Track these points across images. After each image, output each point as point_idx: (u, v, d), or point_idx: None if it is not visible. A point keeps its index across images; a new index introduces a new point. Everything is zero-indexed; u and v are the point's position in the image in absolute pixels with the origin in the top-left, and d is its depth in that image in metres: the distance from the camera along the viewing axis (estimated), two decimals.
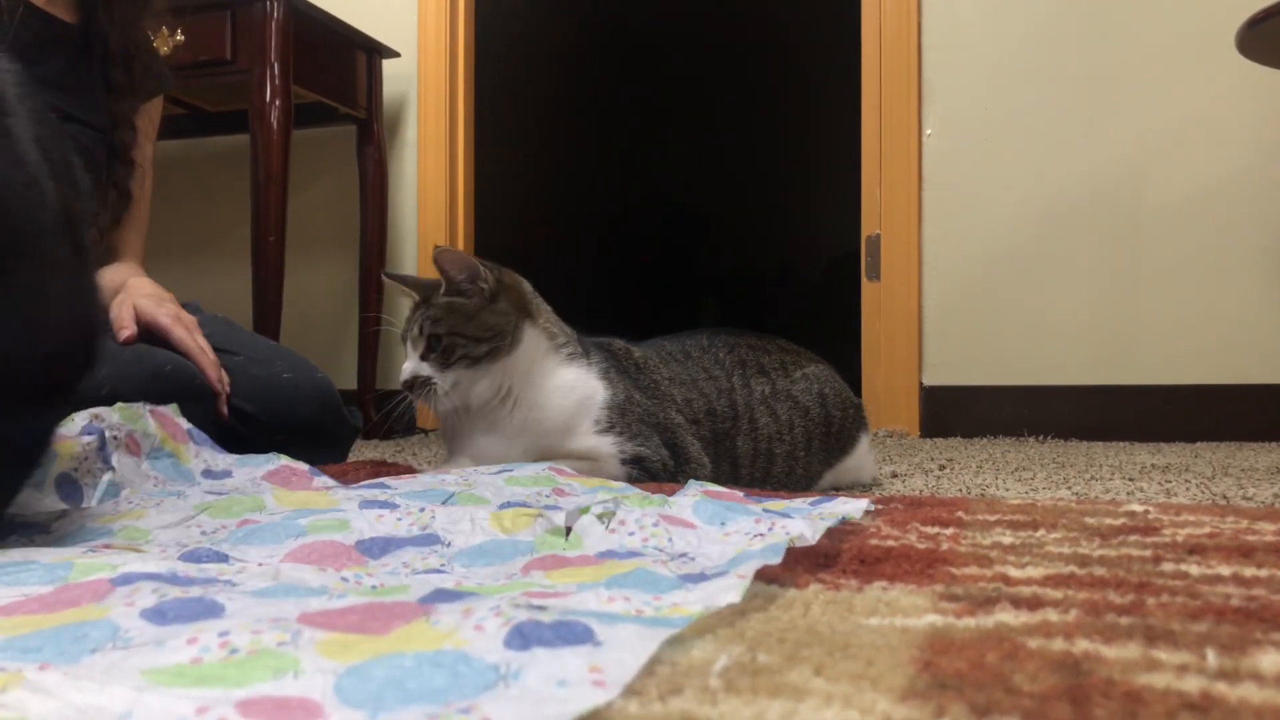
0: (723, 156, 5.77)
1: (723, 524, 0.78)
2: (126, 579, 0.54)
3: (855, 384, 2.48)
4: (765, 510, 0.84)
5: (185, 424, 1.09)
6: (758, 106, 5.69)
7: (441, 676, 0.40)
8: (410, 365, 1.19)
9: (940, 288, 2.42)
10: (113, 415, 0.98)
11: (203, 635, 0.45)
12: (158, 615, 0.49)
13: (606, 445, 1.17)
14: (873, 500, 0.94)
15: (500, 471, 1.05)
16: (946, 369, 2.41)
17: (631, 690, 0.40)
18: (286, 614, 0.48)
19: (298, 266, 2.56)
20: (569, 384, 1.20)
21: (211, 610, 0.49)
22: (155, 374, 1.20)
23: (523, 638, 0.44)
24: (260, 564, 0.66)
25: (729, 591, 0.55)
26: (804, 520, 0.78)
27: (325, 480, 1.03)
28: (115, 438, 0.96)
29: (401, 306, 2.81)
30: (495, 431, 1.19)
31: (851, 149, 2.53)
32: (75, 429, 0.94)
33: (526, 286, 1.25)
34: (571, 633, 0.44)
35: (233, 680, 0.40)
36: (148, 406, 1.03)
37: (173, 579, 0.55)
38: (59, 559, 0.60)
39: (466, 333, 1.18)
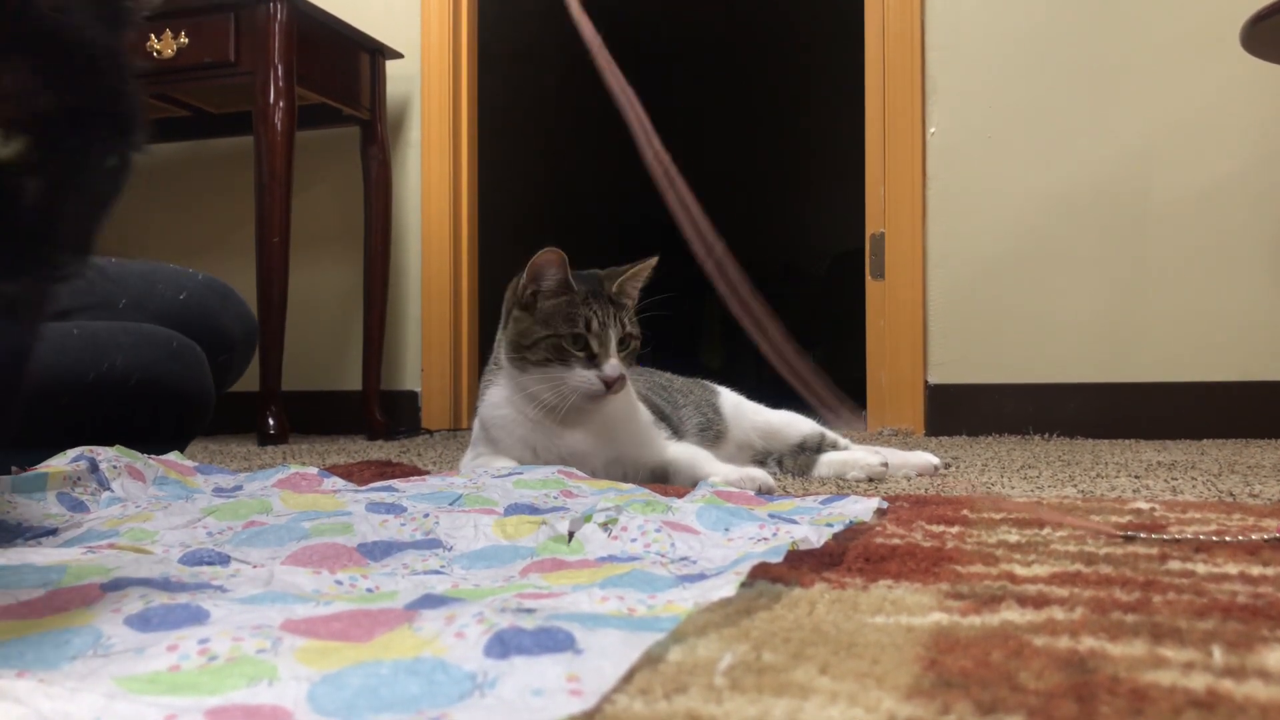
0: (727, 155, 5.76)
1: (726, 529, 0.79)
2: (117, 584, 0.54)
3: (860, 382, 2.48)
4: (771, 515, 0.84)
5: (191, 463, 1.09)
6: (761, 106, 5.68)
7: (417, 684, 0.40)
8: (618, 364, 1.23)
9: (945, 285, 2.42)
10: (109, 450, 0.98)
11: (183, 642, 0.45)
12: (142, 622, 0.49)
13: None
14: (882, 499, 0.94)
15: (509, 474, 1.05)
16: (951, 367, 2.41)
17: (637, 688, 0.40)
18: (270, 620, 0.48)
19: (302, 267, 2.56)
20: None
21: (196, 617, 0.49)
22: (170, 353, 1.19)
23: (503, 645, 0.44)
24: (257, 566, 0.66)
25: (724, 588, 0.55)
26: (809, 524, 0.78)
27: (335, 482, 1.03)
28: (114, 467, 0.96)
29: (405, 308, 2.81)
30: (567, 422, 1.26)
31: (855, 147, 2.53)
32: (66, 460, 0.94)
33: None
34: (553, 640, 0.44)
35: (206, 688, 0.40)
36: (150, 457, 1.04)
37: (164, 584, 0.55)
38: (54, 561, 0.60)
39: (639, 335, 1.29)
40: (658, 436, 1.31)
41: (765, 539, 0.74)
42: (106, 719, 0.37)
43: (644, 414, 1.33)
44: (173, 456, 1.08)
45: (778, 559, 0.63)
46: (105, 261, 1.40)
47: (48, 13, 0.49)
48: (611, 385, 1.22)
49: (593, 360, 1.22)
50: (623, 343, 1.25)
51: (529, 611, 0.49)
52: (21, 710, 0.38)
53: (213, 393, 1.24)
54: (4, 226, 0.50)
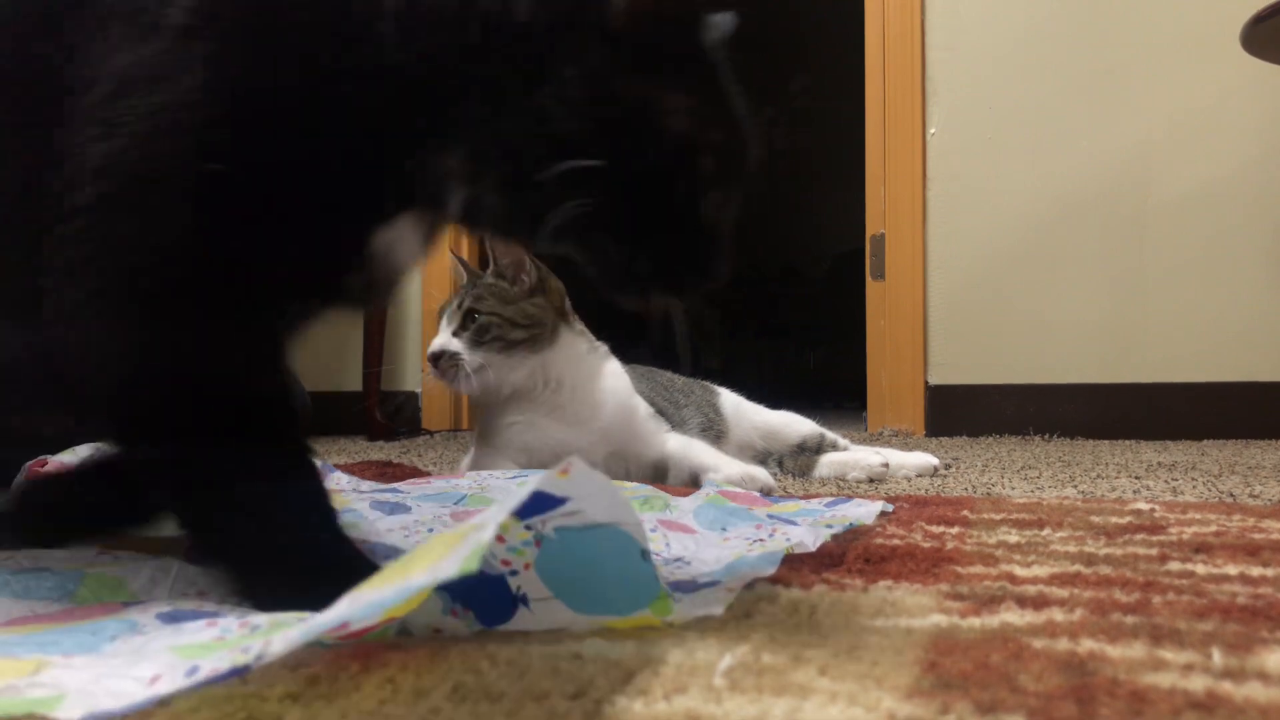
0: None
1: (723, 529, 0.78)
2: (139, 602, 0.56)
3: (860, 383, 2.48)
4: (771, 515, 0.84)
5: None
6: (761, 105, 5.69)
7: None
8: (441, 339, 1.20)
9: (945, 286, 2.42)
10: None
11: (221, 620, 0.47)
12: (170, 618, 0.51)
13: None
14: (887, 501, 0.93)
15: (515, 476, 1.05)
16: (951, 368, 2.40)
17: (637, 689, 0.41)
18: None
19: None
20: (616, 373, 1.31)
21: (218, 615, 0.51)
22: None
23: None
24: None
25: (713, 605, 0.54)
26: (808, 527, 0.78)
27: (339, 478, 1.04)
28: None
29: (405, 308, 2.80)
30: (557, 418, 1.25)
31: (856, 148, 2.53)
32: (75, 459, 0.94)
33: (564, 293, 1.32)
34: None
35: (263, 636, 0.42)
36: None
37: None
38: (71, 565, 0.60)
39: (504, 315, 1.21)
40: (658, 430, 1.30)
41: (761, 540, 0.74)
42: (173, 673, 0.39)
43: (642, 406, 1.31)
44: None
45: (771, 567, 0.62)
46: None
47: None
48: (435, 363, 1.20)
49: None
50: (468, 317, 1.21)
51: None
52: (89, 674, 0.40)
53: None
54: (696, 231, 0.61)
